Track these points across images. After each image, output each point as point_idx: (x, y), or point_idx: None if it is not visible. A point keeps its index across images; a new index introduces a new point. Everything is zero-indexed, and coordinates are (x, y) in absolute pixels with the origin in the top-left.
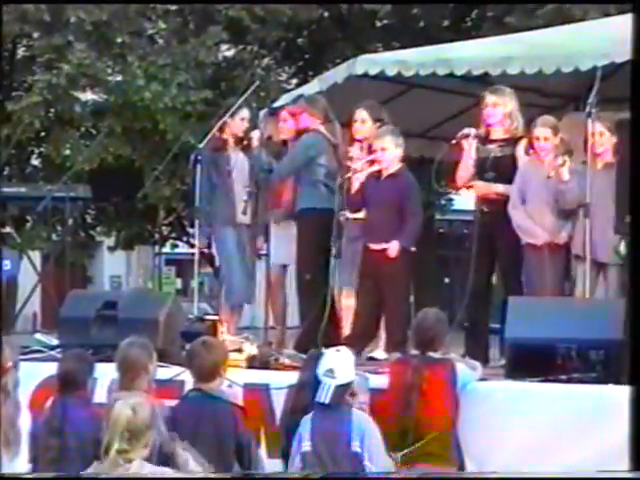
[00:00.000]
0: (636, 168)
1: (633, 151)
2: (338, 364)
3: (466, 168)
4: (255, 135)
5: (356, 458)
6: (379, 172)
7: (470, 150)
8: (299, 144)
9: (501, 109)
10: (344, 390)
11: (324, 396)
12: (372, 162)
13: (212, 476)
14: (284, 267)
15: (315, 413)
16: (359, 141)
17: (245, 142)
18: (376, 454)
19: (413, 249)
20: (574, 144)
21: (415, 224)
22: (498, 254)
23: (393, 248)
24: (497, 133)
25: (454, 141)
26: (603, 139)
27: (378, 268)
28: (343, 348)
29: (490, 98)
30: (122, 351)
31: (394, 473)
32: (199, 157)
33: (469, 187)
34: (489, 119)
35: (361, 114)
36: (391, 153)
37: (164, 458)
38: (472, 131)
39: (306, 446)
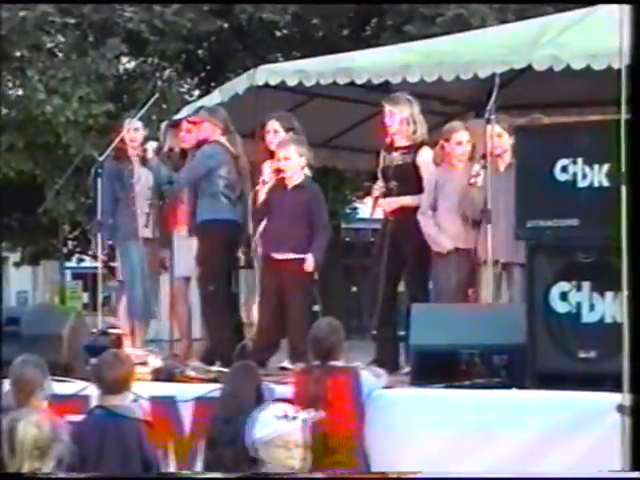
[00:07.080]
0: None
1: (633, 152)
2: None
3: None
4: (151, 147)
5: None
6: (284, 182)
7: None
8: (199, 154)
9: (397, 117)
10: None
11: None
12: (278, 171)
13: (214, 476)
14: (187, 279)
15: None
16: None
17: (139, 153)
18: None
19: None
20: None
21: (326, 237)
22: (404, 262)
23: (309, 262)
24: (400, 141)
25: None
26: (502, 140)
27: (280, 278)
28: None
29: (386, 107)
30: (16, 370)
31: (394, 473)
32: (100, 170)
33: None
34: (388, 128)
35: (273, 125)
36: (294, 162)
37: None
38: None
39: None
